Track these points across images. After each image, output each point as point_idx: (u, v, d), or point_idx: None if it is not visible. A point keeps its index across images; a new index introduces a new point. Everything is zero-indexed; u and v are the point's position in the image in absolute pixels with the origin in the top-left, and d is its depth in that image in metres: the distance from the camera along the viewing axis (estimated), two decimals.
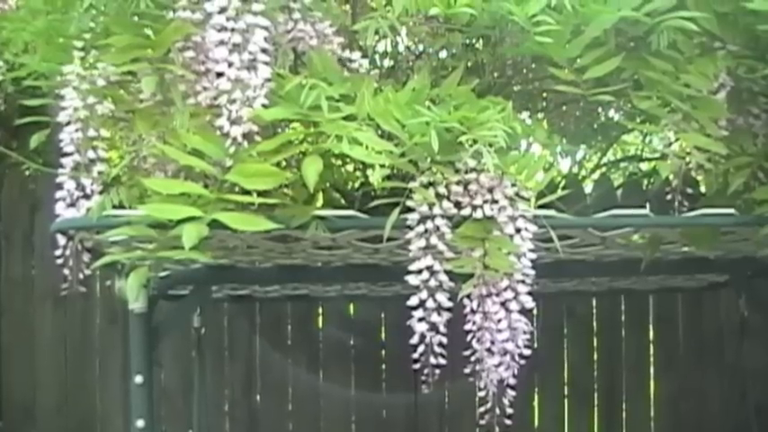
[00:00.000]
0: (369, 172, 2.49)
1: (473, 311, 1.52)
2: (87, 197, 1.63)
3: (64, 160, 1.65)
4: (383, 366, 3.37)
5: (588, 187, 3.34)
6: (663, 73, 1.69)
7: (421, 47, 2.11)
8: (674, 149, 1.79)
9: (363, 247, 1.72)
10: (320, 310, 3.36)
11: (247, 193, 1.47)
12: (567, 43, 1.62)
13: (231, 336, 3.34)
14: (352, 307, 3.35)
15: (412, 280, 1.49)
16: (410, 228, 1.50)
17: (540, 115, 2.41)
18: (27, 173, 3.20)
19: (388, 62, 2.30)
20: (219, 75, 1.46)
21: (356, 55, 1.77)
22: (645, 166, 3.35)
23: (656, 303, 3.41)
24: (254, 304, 3.24)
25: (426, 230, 1.49)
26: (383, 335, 3.36)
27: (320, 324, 3.38)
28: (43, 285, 3.34)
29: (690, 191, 1.94)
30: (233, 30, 1.46)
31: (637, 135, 3.28)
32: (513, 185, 1.51)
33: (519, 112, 2.08)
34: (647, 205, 2.94)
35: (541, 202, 1.53)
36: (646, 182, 3.28)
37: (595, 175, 3.30)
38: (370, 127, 1.47)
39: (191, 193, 1.43)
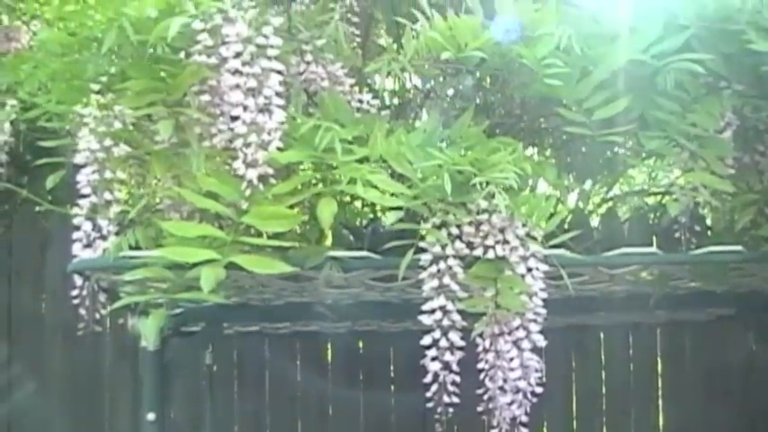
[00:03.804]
0: (378, 208, 2.50)
1: (485, 350, 1.54)
2: (104, 238, 1.65)
3: (80, 201, 1.67)
4: (392, 402, 3.37)
5: (595, 221, 3.34)
6: (670, 113, 1.71)
7: (430, 86, 2.14)
8: (680, 184, 1.81)
9: (376, 286, 1.74)
10: (329, 346, 3.36)
11: (261, 233, 1.50)
12: (575, 85, 1.64)
13: (241, 372, 3.34)
14: (361, 343, 3.36)
15: (425, 320, 1.51)
16: (423, 268, 1.52)
17: (548, 151, 2.43)
18: (38, 209, 3.22)
19: (397, 100, 2.33)
20: (235, 118, 1.49)
21: (367, 96, 1.80)
22: (651, 201, 3.36)
23: (664, 337, 3.41)
24: (264, 340, 3.25)
25: (439, 270, 1.51)
26: (392, 371, 3.36)
27: (330, 360, 3.39)
28: (53, 321, 3.34)
29: (697, 227, 1.96)
30: (248, 74, 1.49)
31: (642, 169, 3.29)
32: (524, 226, 1.53)
33: (526, 148, 2.11)
34: (654, 239, 2.96)
35: (552, 242, 1.55)
36: (652, 216, 3.29)
37: (602, 210, 3.31)
38: (382, 168, 1.50)
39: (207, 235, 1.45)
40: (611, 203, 3.37)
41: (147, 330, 1.45)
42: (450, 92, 1.96)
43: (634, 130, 1.72)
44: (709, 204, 1.79)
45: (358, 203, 2.59)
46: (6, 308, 3.33)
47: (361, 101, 1.81)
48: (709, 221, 2.31)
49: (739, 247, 1.75)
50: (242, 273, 1.48)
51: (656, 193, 3.29)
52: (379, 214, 2.55)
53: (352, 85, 1.77)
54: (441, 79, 1.85)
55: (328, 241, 2.00)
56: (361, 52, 2.02)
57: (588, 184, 2.71)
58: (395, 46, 2.24)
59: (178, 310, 1.98)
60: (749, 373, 2.89)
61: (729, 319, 2.68)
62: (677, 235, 1.88)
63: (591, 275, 1.80)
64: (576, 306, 2.15)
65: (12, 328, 3.37)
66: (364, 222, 2.58)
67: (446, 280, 1.50)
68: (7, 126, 2.54)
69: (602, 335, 3.42)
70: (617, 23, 1.68)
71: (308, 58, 1.75)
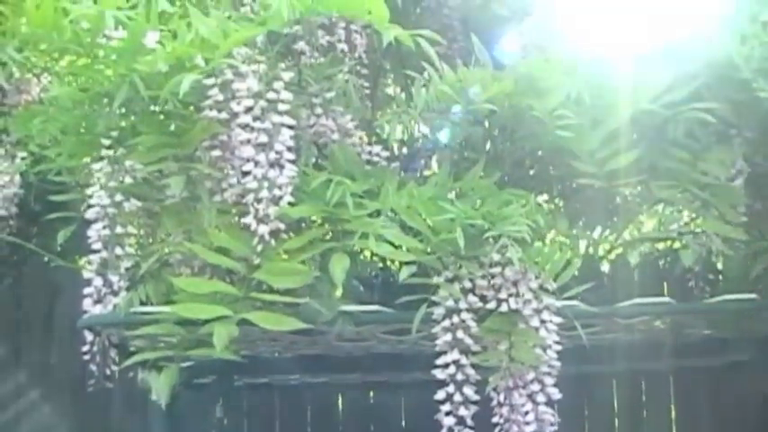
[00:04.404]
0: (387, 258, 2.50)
1: (500, 404, 1.52)
2: (114, 293, 1.65)
3: (91, 257, 1.67)
4: None
5: (604, 266, 3.33)
6: (680, 161, 1.71)
7: (439, 136, 2.14)
8: (691, 230, 1.81)
9: (388, 339, 1.73)
10: (340, 398, 3.33)
11: (274, 289, 1.49)
12: (586, 135, 1.64)
13: (251, 424, 3.31)
14: (371, 393, 3.33)
15: (439, 374, 1.49)
16: (436, 322, 1.51)
17: (557, 199, 2.42)
18: (46, 260, 3.22)
19: (405, 149, 2.33)
20: (246, 173, 1.49)
21: (377, 147, 1.80)
22: (661, 246, 3.35)
23: (677, 383, 3.37)
24: (274, 392, 3.22)
25: (452, 324, 1.49)
26: (404, 422, 3.33)
27: (340, 411, 3.36)
28: (61, 374, 3.32)
29: (710, 275, 1.95)
30: (259, 129, 1.49)
31: (652, 214, 3.28)
32: (537, 278, 1.52)
33: (535, 196, 2.10)
34: (665, 285, 2.94)
35: (566, 294, 1.54)
36: (662, 262, 3.27)
37: (611, 256, 3.29)
38: (394, 222, 1.49)
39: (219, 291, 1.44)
40: (620, 249, 3.36)
41: (160, 387, 1.44)
42: (460, 142, 1.96)
43: (645, 179, 1.72)
44: (722, 253, 1.78)
45: (367, 252, 2.58)
46: (14, 360, 3.31)
47: (370, 152, 1.81)
48: (720, 266, 2.29)
49: (753, 295, 1.74)
50: (253, 327, 1.47)
51: (666, 239, 3.28)
52: (387, 263, 2.54)
53: (361, 138, 1.77)
54: (450, 130, 1.85)
55: (338, 291, 1.99)
56: (370, 104, 2.02)
57: (598, 231, 2.70)
58: (403, 95, 2.26)
59: (189, 363, 1.96)
60: (764, 419, 2.85)
61: (743, 364, 2.66)
62: (691, 284, 1.87)
63: (604, 325, 1.79)
64: (588, 354, 2.13)
65: (19, 379, 3.35)
66: (372, 272, 2.58)
67: (460, 334, 1.49)
68: (17, 178, 2.55)
69: (614, 382, 3.39)
70: (626, 73, 1.69)
71: (318, 110, 1.75)
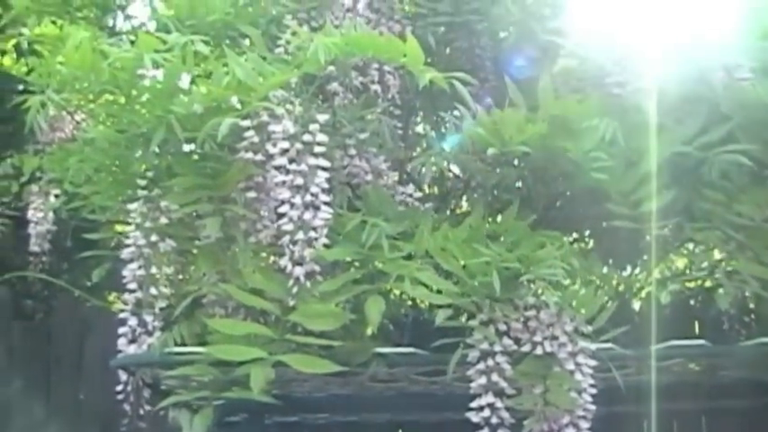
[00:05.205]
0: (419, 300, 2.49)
1: None
2: (149, 333, 1.65)
3: (126, 296, 1.67)
4: None
5: (635, 305, 3.30)
6: (715, 203, 1.70)
7: (470, 177, 2.14)
8: (725, 269, 1.80)
9: (421, 380, 1.72)
10: None
11: (309, 330, 1.49)
12: (620, 177, 1.64)
13: None
14: None
15: (473, 417, 1.48)
16: (471, 364, 1.50)
17: (588, 239, 2.41)
18: (76, 295, 3.24)
19: (436, 189, 2.33)
20: (281, 215, 1.50)
21: (410, 188, 1.81)
22: (692, 285, 3.32)
23: (709, 424, 3.33)
24: (304, 431, 3.21)
25: (487, 367, 1.49)
26: None
27: None
28: (91, 409, 3.33)
29: (744, 318, 1.93)
30: (294, 171, 1.50)
31: (682, 253, 3.26)
32: (572, 321, 1.51)
33: (566, 236, 2.09)
34: (696, 324, 2.92)
35: (602, 338, 1.53)
36: (693, 301, 3.25)
37: (642, 294, 3.27)
38: (429, 264, 1.49)
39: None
40: (650, 288, 3.34)
41: (196, 428, 1.44)
42: (493, 184, 1.96)
43: (680, 221, 1.72)
44: (758, 295, 1.77)
45: (396, 291, 2.58)
46: (45, 396, 3.33)
47: (403, 193, 1.82)
48: (752, 307, 2.28)
49: None
50: (287, 368, 1.47)
51: (697, 279, 3.26)
52: (417, 302, 2.54)
53: (395, 179, 1.78)
54: (484, 172, 1.85)
55: (368, 330, 1.99)
56: (403, 144, 2.03)
57: (629, 270, 2.69)
58: (433, 133, 2.26)
59: (220, 402, 1.96)
60: None
61: None
62: (725, 326, 1.85)
63: (637, 367, 1.77)
64: (619, 395, 2.12)
65: (50, 415, 3.36)
66: (403, 311, 2.57)
67: (494, 377, 1.48)
68: (51, 215, 2.58)
69: (644, 424, 3.35)
70: (660, 115, 1.69)
71: (352, 152, 1.76)
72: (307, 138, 1.52)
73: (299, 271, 1.47)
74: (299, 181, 1.49)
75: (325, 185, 1.51)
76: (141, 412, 1.71)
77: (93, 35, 1.82)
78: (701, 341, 1.72)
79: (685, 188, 1.71)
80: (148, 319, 1.65)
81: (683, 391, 2.07)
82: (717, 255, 1.94)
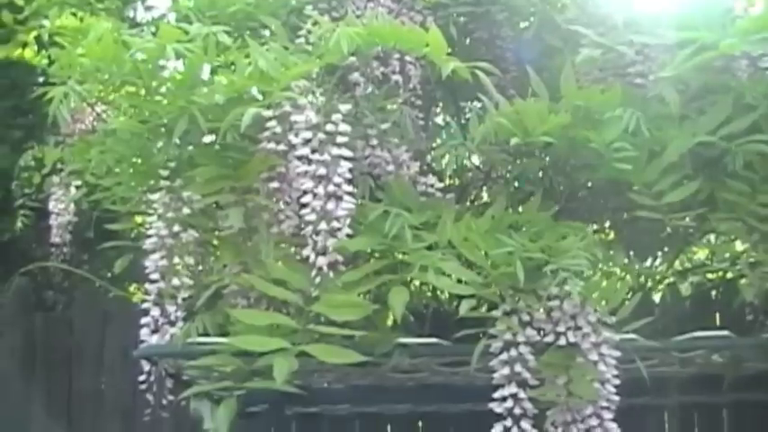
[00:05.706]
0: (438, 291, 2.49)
1: None
2: (171, 323, 1.65)
3: (148, 287, 1.67)
4: None
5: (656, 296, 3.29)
6: (739, 194, 1.69)
7: (492, 168, 2.14)
8: (748, 261, 1.78)
9: (443, 371, 1.72)
10: (389, 428, 3.31)
11: (331, 321, 1.49)
12: (644, 168, 1.63)
13: None
14: (421, 423, 3.30)
15: (496, 407, 1.48)
16: (494, 355, 1.49)
17: (609, 230, 2.40)
18: (97, 285, 3.25)
19: (457, 180, 2.33)
20: (304, 205, 1.49)
21: (432, 179, 1.80)
22: (713, 276, 3.30)
23: (730, 417, 3.32)
24: (324, 421, 3.21)
25: (510, 358, 1.48)
26: None
27: None
28: (112, 399, 3.35)
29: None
30: (317, 161, 1.50)
31: (703, 244, 3.24)
32: (596, 311, 1.51)
33: (588, 225, 2.08)
34: (717, 316, 2.91)
35: (625, 328, 1.52)
36: (714, 292, 3.23)
37: (663, 286, 3.26)
38: (452, 255, 1.49)
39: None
40: (672, 279, 3.32)
41: (220, 418, 1.44)
42: (515, 175, 1.95)
43: (704, 212, 1.71)
44: None
45: (417, 282, 2.57)
46: (67, 385, 3.35)
47: (425, 183, 1.81)
48: None
49: None
50: (310, 359, 1.47)
51: (719, 270, 3.24)
52: (438, 292, 2.53)
53: (416, 170, 1.77)
54: (506, 163, 1.84)
55: (389, 321, 1.99)
56: (424, 135, 2.03)
57: (650, 261, 2.67)
58: (454, 124, 2.25)
59: (241, 392, 1.97)
60: None
61: None
62: (749, 317, 1.84)
63: (660, 359, 1.77)
64: (641, 387, 2.11)
65: (71, 405, 3.38)
66: (424, 301, 2.57)
67: (517, 367, 1.47)
68: (72, 207, 2.59)
69: (665, 415, 3.34)
70: (683, 105, 1.68)
71: (374, 142, 1.76)
72: (329, 128, 1.52)
73: (321, 261, 1.47)
74: (322, 171, 1.49)
75: (348, 175, 1.50)
76: (164, 402, 1.72)
77: (115, 26, 1.82)
78: (725, 332, 1.71)
79: (708, 179, 1.71)
80: (171, 309, 1.65)
81: (705, 383, 2.06)
82: (739, 246, 1.93)
